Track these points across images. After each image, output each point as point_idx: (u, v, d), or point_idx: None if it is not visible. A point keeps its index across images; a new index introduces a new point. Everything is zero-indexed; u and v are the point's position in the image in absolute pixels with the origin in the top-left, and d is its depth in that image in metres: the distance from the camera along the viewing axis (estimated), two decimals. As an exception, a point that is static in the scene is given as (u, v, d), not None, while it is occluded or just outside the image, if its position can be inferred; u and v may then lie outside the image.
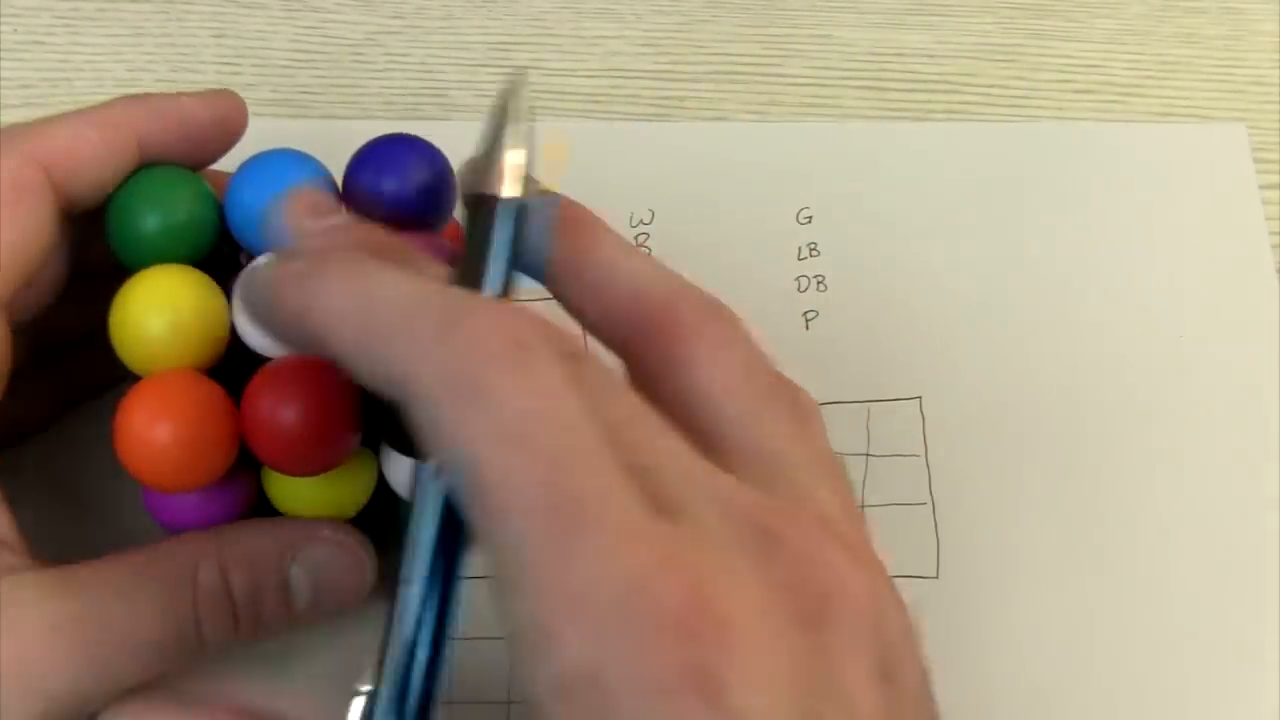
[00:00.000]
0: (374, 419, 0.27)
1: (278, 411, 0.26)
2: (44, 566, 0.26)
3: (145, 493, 0.28)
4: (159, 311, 0.26)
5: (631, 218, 0.37)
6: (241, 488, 0.28)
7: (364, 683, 0.21)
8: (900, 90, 0.40)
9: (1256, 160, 0.38)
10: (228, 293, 0.27)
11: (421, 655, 0.20)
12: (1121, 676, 0.31)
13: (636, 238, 0.37)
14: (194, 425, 0.26)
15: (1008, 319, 0.36)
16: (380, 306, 0.19)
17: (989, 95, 0.40)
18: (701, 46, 0.41)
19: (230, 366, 0.27)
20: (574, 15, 0.42)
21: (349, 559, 0.28)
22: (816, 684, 0.18)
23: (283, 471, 0.27)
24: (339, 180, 0.28)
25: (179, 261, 0.27)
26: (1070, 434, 0.34)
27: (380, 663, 0.21)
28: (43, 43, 0.41)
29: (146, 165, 0.28)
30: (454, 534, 0.21)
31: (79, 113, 0.28)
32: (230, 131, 0.29)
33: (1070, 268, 0.36)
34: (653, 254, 0.37)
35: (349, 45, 0.41)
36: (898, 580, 0.21)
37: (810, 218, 0.37)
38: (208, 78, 0.40)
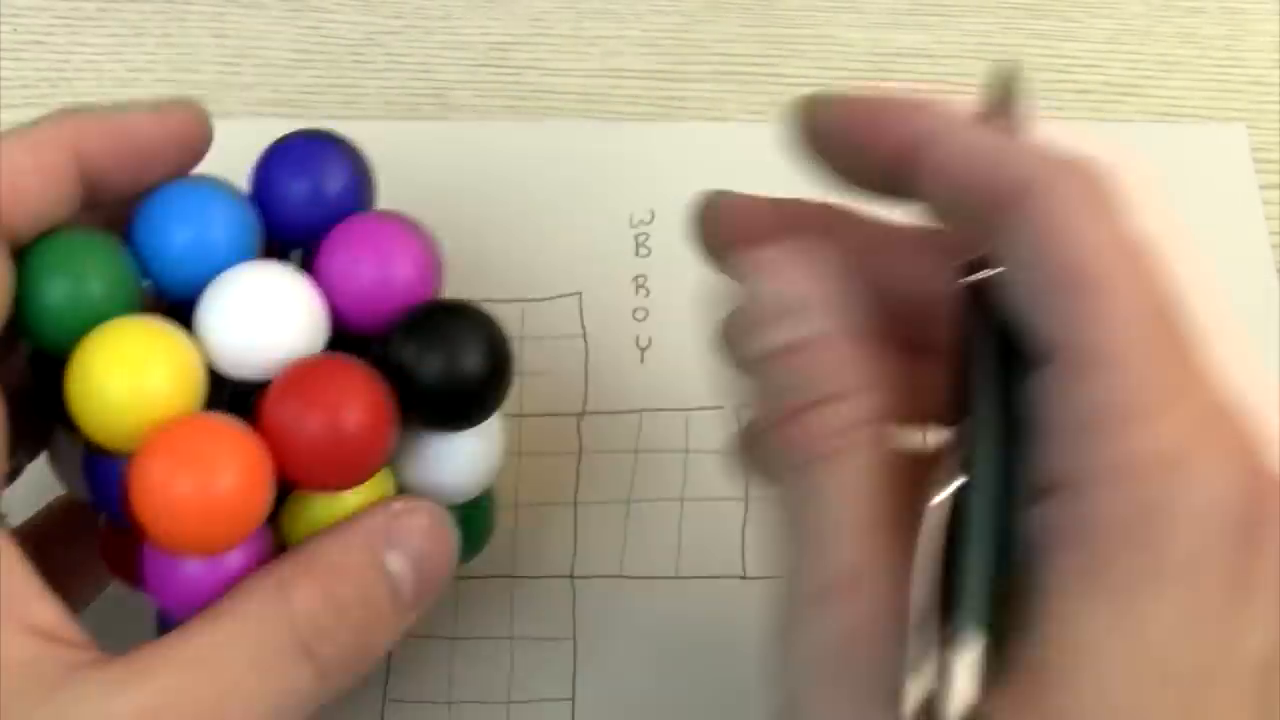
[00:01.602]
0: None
1: (311, 418, 0.23)
2: (109, 660, 0.22)
3: (149, 574, 0.24)
4: (123, 372, 0.23)
5: (631, 218, 0.37)
6: (265, 534, 0.24)
7: (955, 475, 0.21)
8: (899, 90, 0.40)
9: (1256, 160, 0.38)
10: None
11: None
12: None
13: (636, 238, 0.37)
14: (234, 469, 0.22)
15: (1007, 319, 0.36)
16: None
17: (989, 95, 0.40)
18: (701, 46, 0.41)
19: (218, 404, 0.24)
20: (573, 15, 0.42)
21: (444, 538, 0.25)
22: None
23: (325, 487, 0.24)
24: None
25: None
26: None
27: (967, 454, 0.21)
28: (43, 43, 0.41)
29: (44, 236, 0.24)
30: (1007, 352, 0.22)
31: (13, 137, 0.24)
32: (191, 149, 0.26)
33: (1070, 268, 0.36)
34: (652, 254, 0.37)
35: (349, 45, 0.41)
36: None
37: (810, 218, 0.37)
38: (208, 78, 0.40)
